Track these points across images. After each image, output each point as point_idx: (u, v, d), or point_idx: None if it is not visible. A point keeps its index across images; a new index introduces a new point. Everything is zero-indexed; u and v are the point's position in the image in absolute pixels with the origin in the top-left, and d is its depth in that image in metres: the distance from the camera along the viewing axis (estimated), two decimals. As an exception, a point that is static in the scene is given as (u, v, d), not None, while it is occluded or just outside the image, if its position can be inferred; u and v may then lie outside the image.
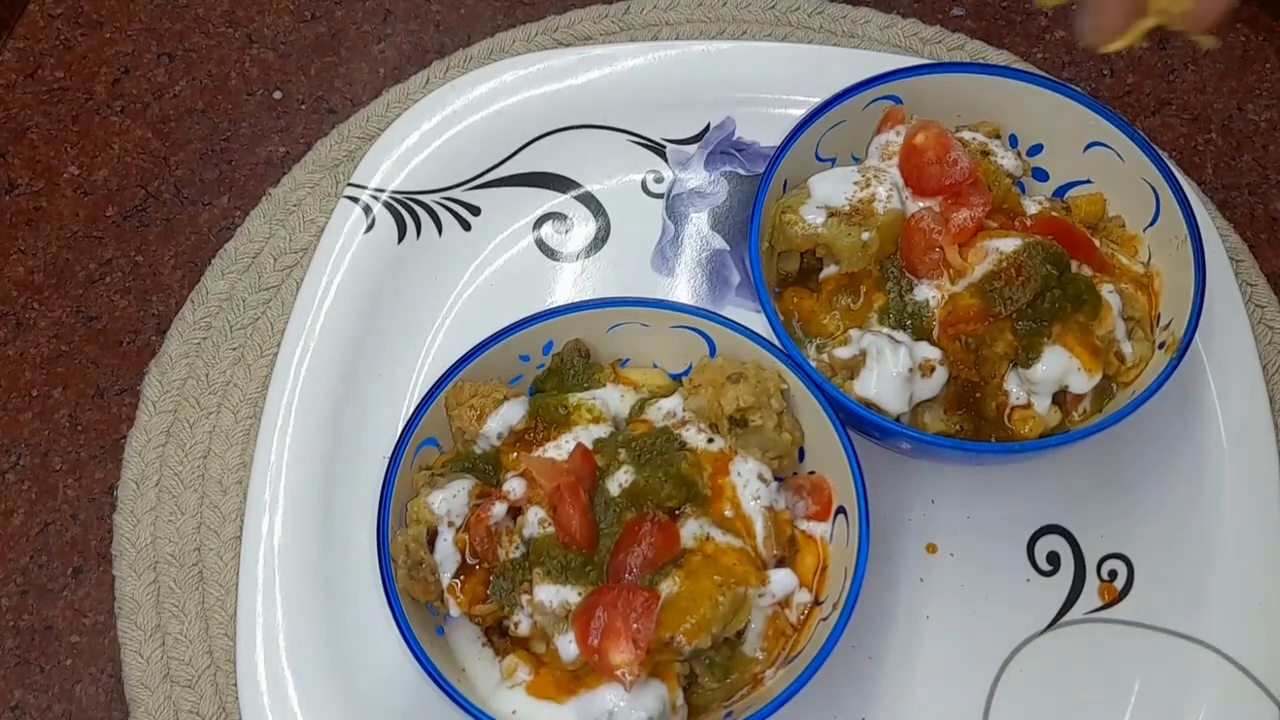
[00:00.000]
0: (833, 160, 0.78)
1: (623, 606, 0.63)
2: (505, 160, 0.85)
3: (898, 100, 0.78)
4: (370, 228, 0.82)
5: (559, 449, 0.69)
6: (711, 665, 0.66)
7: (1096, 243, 0.74)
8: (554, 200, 0.85)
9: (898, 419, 0.70)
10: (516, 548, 0.66)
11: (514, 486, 0.67)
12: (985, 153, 0.75)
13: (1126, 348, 0.72)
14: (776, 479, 0.70)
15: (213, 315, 0.82)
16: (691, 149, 0.86)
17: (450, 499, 0.68)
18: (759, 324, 0.72)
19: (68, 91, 0.91)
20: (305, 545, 0.74)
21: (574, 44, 0.90)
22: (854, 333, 0.72)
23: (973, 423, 0.72)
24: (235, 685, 0.72)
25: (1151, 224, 0.75)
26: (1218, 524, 0.74)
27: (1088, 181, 0.78)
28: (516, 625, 0.66)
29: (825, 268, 0.75)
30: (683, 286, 0.83)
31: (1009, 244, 0.71)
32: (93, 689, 0.75)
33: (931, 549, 0.75)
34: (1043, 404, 0.71)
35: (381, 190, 0.83)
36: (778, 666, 0.68)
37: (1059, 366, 0.70)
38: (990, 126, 0.78)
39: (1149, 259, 0.76)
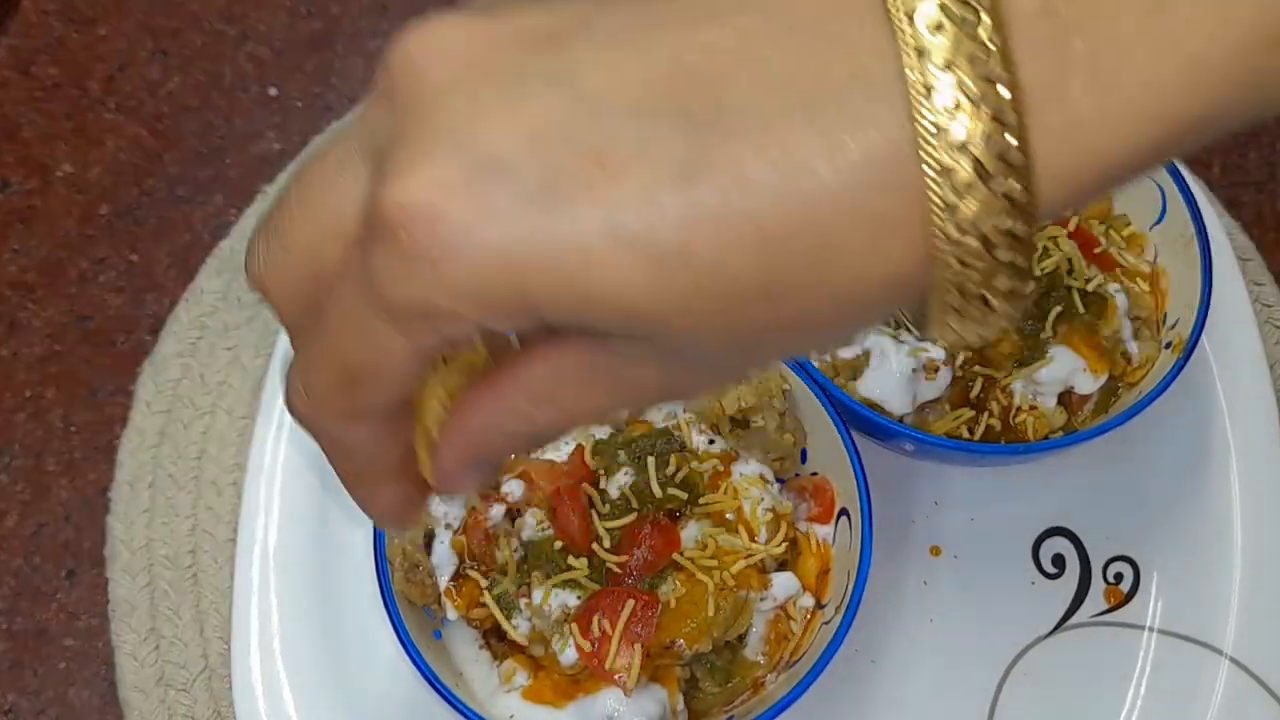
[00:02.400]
0: (835, 158, 0.78)
1: (622, 610, 0.62)
2: (503, 158, 0.84)
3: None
4: (367, 226, 0.81)
5: (558, 450, 0.68)
6: (712, 669, 0.66)
7: (1102, 241, 0.74)
8: (553, 198, 0.84)
9: (901, 420, 0.70)
10: (515, 550, 0.65)
11: (512, 488, 0.67)
12: (989, 150, 0.75)
13: (1132, 347, 0.72)
14: (778, 480, 0.70)
15: (207, 315, 0.81)
16: (692, 146, 0.85)
17: (447, 501, 0.67)
18: (760, 323, 0.72)
19: (61, 89, 0.90)
20: (301, 548, 0.74)
21: (573, 40, 0.89)
22: (856, 332, 0.71)
23: (977, 423, 0.71)
24: (230, 689, 0.71)
25: (1158, 222, 0.75)
26: (1225, 526, 0.74)
27: (1093, 179, 0.77)
28: (515, 629, 0.65)
29: (827, 266, 0.74)
30: (683, 285, 0.82)
31: (1013, 242, 0.70)
32: (86, 693, 0.74)
33: (935, 551, 0.75)
34: (1048, 404, 0.71)
35: (378, 188, 0.82)
36: (779, 671, 0.67)
37: (1064, 366, 0.70)
38: (994, 124, 0.77)
39: (1155, 258, 0.75)
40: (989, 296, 0.29)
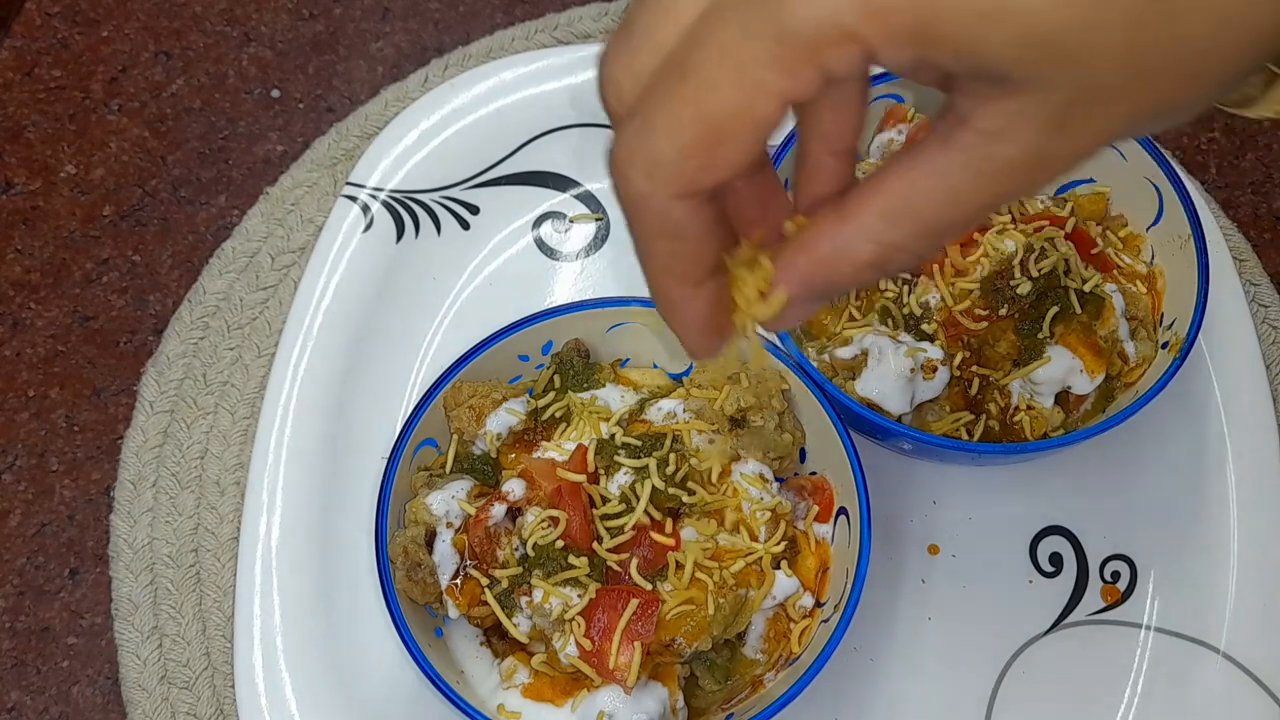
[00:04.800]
0: (834, 159, 0.78)
1: (623, 608, 0.62)
2: (504, 159, 0.85)
3: (899, 99, 0.77)
4: (369, 227, 0.82)
5: (559, 450, 0.68)
6: (712, 667, 0.66)
7: (1099, 242, 0.74)
8: (553, 199, 0.84)
9: (899, 419, 0.70)
10: (516, 549, 0.66)
11: (513, 487, 0.67)
12: (987, 151, 0.75)
13: (1129, 348, 0.72)
14: (777, 480, 0.70)
15: (210, 315, 0.82)
16: (692, 148, 0.85)
17: (449, 500, 0.67)
18: (759, 324, 0.72)
19: (64, 90, 0.91)
20: (303, 546, 0.74)
21: (574, 42, 0.89)
22: (855, 333, 0.71)
23: (975, 423, 0.71)
24: (233, 687, 0.72)
25: (1154, 223, 0.75)
26: (1221, 524, 0.74)
27: (1090, 180, 0.78)
28: (516, 627, 0.65)
29: (826, 267, 0.75)
30: (683, 286, 0.82)
31: (1011, 243, 0.70)
32: (90, 691, 0.74)
33: (933, 550, 0.75)
34: (1045, 404, 0.71)
35: (380, 189, 0.83)
36: (778, 669, 0.67)
37: (1061, 367, 0.70)
38: (992, 125, 0.78)
39: (1152, 258, 0.75)
40: None
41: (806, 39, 0.30)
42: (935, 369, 0.69)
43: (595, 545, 0.64)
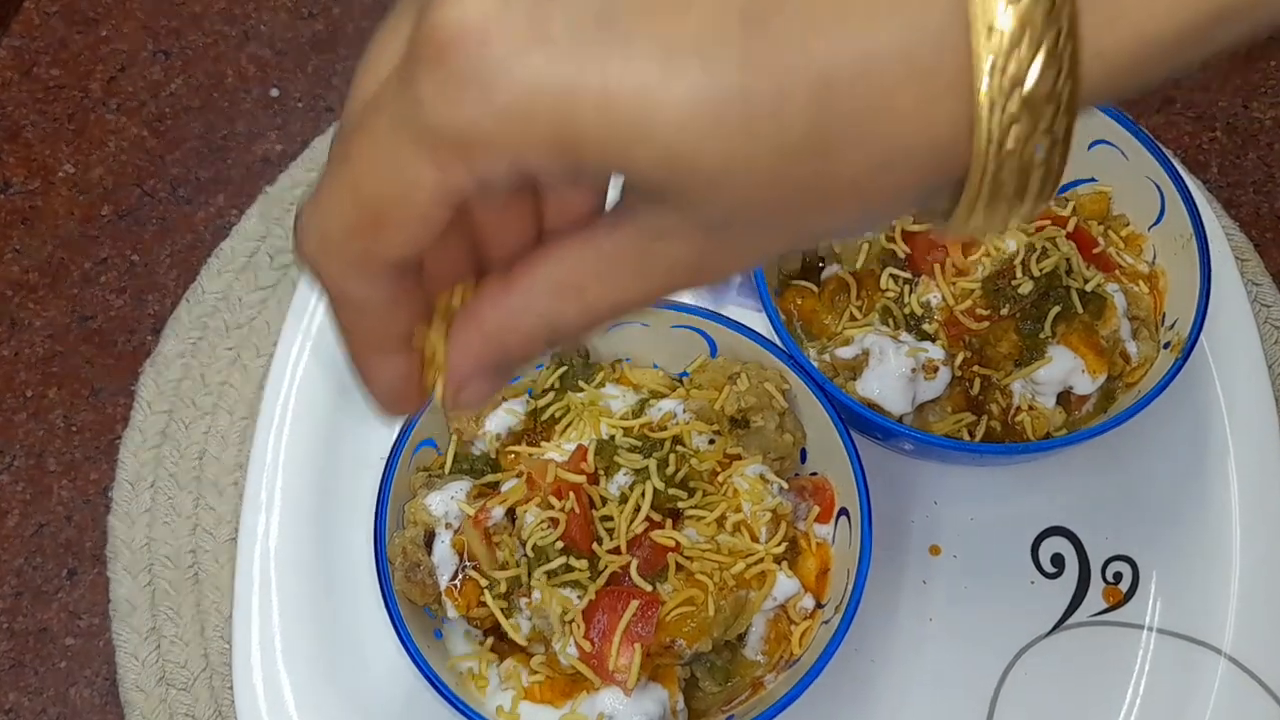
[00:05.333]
0: (834, 158, 0.78)
1: (623, 609, 0.62)
2: (504, 158, 0.84)
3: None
4: (368, 226, 0.81)
5: (559, 450, 0.68)
6: (712, 669, 0.66)
7: (1101, 241, 0.74)
8: (553, 199, 0.84)
9: (900, 419, 0.70)
10: (516, 552, 0.65)
11: (512, 488, 0.67)
12: (988, 151, 0.75)
13: (1131, 348, 0.72)
14: (778, 480, 0.70)
15: (209, 315, 0.82)
16: (692, 147, 0.85)
17: (448, 500, 0.67)
18: (760, 324, 0.72)
19: (63, 89, 0.90)
20: (302, 547, 0.74)
21: (573, 41, 0.89)
22: (856, 333, 0.71)
23: (976, 424, 0.71)
24: (231, 688, 0.71)
25: (1156, 223, 0.75)
26: (1223, 525, 0.74)
27: (1092, 180, 0.77)
28: (515, 628, 0.65)
29: (827, 267, 0.74)
30: (683, 286, 0.82)
31: (1012, 243, 0.70)
32: (88, 692, 0.74)
33: (935, 551, 0.75)
34: (1047, 404, 0.71)
35: (379, 189, 0.82)
36: (779, 670, 0.67)
37: (1063, 367, 0.70)
38: (993, 124, 0.77)
39: (1154, 258, 0.75)
40: (1025, 173, 0.29)
41: (450, 141, 0.28)
42: (936, 369, 0.69)
43: (595, 546, 0.64)
